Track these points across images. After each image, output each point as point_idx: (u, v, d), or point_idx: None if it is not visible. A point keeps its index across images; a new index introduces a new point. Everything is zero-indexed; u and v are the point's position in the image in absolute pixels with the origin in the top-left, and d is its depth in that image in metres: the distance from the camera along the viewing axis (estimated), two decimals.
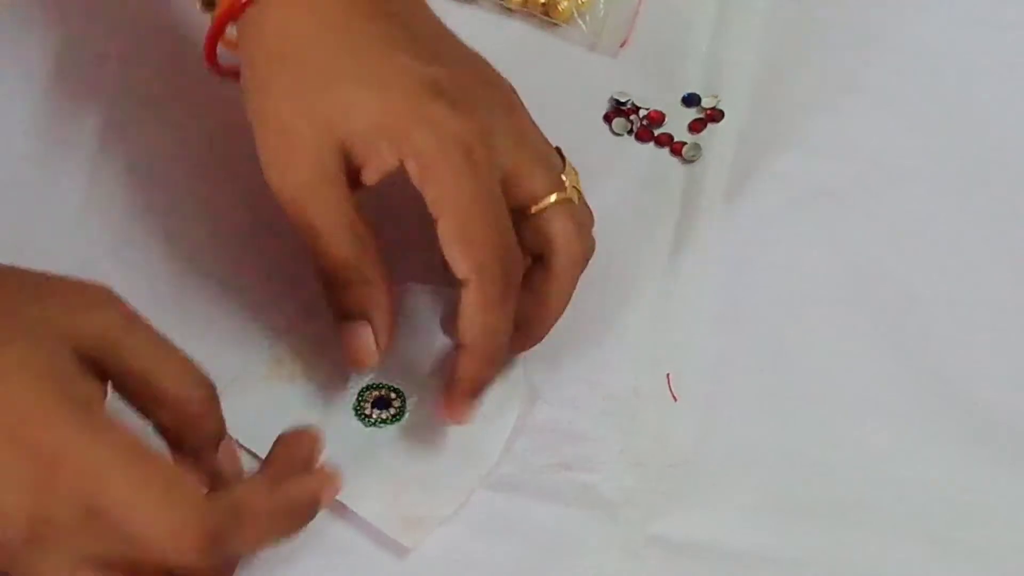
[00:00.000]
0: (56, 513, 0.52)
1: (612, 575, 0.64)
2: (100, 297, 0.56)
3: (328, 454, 0.61)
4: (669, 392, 0.68)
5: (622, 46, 0.77)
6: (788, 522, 0.66)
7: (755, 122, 0.75)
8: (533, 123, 0.65)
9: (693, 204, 0.73)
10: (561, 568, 0.64)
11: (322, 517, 0.60)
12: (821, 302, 0.71)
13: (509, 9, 0.77)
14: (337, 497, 0.61)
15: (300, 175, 0.62)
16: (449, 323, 0.66)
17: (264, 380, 0.66)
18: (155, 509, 0.52)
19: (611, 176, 0.73)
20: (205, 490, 0.57)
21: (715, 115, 0.75)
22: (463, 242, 0.61)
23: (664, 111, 0.75)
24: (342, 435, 0.64)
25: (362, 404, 0.66)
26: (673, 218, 0.73)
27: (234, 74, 0.65)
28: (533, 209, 0.64)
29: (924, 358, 0.70)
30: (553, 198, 0.64)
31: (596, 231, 0.69)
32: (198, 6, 0.66)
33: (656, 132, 0.75)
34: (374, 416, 0.66)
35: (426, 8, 0.65)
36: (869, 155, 0.74)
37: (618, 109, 0.75)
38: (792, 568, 0.65)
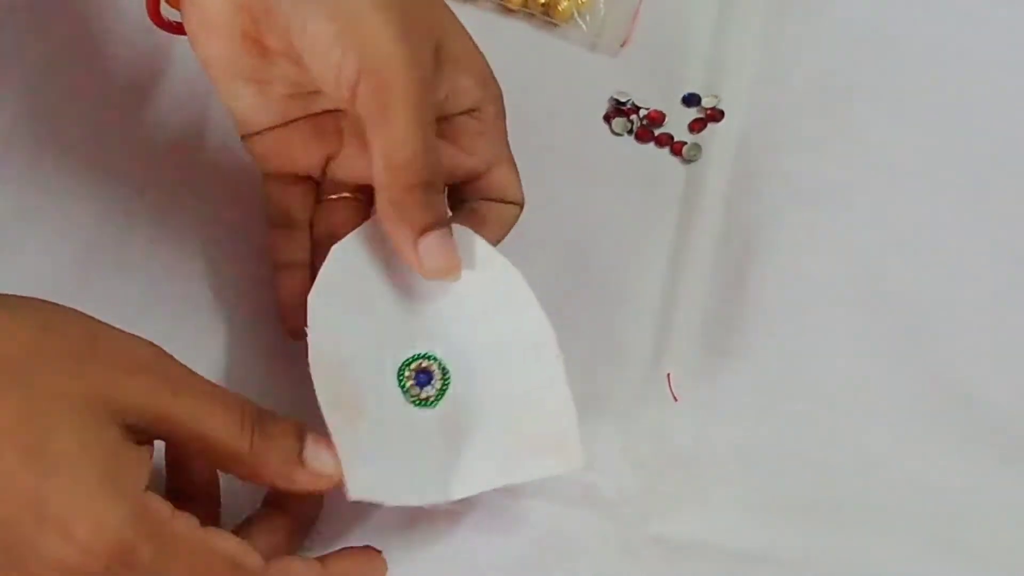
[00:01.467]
0: None
1: (612, 575, 0.64)
2: (145, 359, 0.55)
3: (425, 463, 0.61)
4: (669, 392, 0.68)
5: (622, 46, 0.77)
6: (788, 522, 0.66)
7: (755, 122, 0.75)
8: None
9: (693, 204, 0.73)
10: (561, 568, 0.64)
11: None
12: (821, 302, 0.71)
13: (509, 9, 0.77)
14: (484, 487, 0.61)
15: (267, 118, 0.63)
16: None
17: (345, 422, 0.61)
18: None
19: (611, 176, 0.73)
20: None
21: (715, 115, 0.75)
22: (516, 178, 0.64)
23: (664, 111, 0.75)
24: (418, 433, 0.62)
25: (412, 393, 0.62)
26: (673, 218, 0.73)
27: (179, 29, 0.63)
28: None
29: (924, 358, 0.70)
30: None
31: (596, 231, 0.69)
32: None
33: (656, 132, 0.75)
34: (432, 395, 0.63)
35: None
36: (869, 155, 0.74)
37: (618, 109, 0.75)
38: (792, 568, 0.65)
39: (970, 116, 0.76)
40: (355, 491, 0.59)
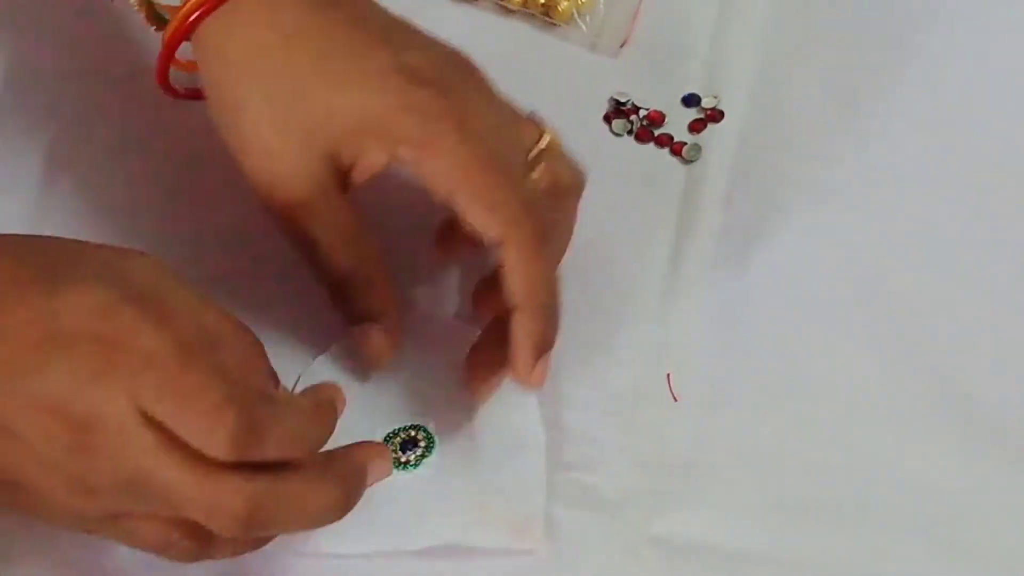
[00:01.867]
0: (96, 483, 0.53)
1: (612, 575, 0.64)
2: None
3: (392, 512, 0.63)
4: (669, 392, 0.68)
5: (622, 46, 0.77)
6: (788, 522, 0.66)
7: (755, 122, 0.75)
8: (502, 97, 0.64)
9: (693, 204, 0.73)
10: (561, 568, 0.64)
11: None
12: (821, 302, 0.71)
13: (509, 9, 0.77)
14: (440, 543, 0.62)
15: (292, 193, 0.61)
16: (481, 300, 0.65)
17: None
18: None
19: (611, 176, 0.73)
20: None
21: (715, 115, 0.75)
22: (486, 202, 0.60)
23: (664, 111, 0.75)
24: (392, 489, 0.64)
25: (393, 456, 0.65)
26: (673, 218, 0.73)
27: (190, 95, 0.65)
28: None
29: (924, 358, 0.70)
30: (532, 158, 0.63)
31: (596, 231, 0.69)
32: (146, 22, 0.65)
33: (656, 132, 0.75)
34: (412, 459, 0.65)
35: (376, 4, 0.64)
36: (869, 155, 0.74)
37: (618, 109, 0.75)
38: (792, 568, 0.65)
39: (970, 116, 0.75)
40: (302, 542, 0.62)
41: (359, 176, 0.62)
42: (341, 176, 0.62)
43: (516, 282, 0.61)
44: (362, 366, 0.65)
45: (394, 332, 0.64)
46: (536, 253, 0.61)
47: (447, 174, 0.60)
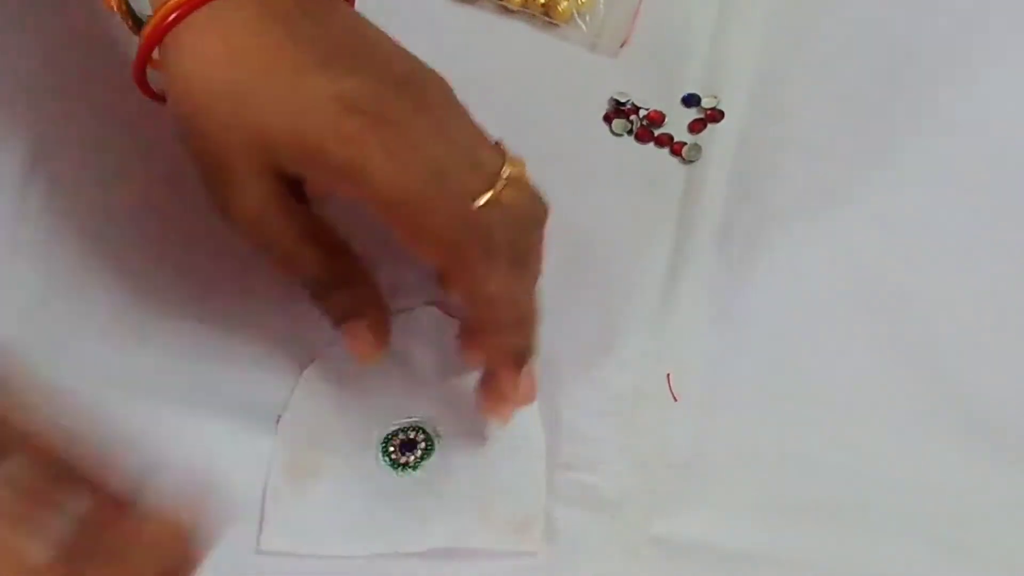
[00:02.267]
0: None
1: (612, 575, 0.64)
2: None
3: (392, 514, 0.63)
4: (669, 392, 0.68)
5: (622, 46, 0.77)
6: (788, 522, 0.66)
7: (755, 122, 0.75)
8: (462, 117, 0.62)
9: (693, 204, 0.73)
10: (561, 568, 0.64)
11: None
12: (821, 302, 0.71)
13: (509, 9, 0.77)
14: (440, 544, 0.63)
15: (247, 205, 0.60)
16: (465, 345, 0.64)
17: (289, 482, 0.65)
18: None
19: (611, 176, 0.73)
20: None
21: (715, 115, 0.75)
22: (419, 234, 0.59)
23: (664, 111, 0.75)
24: (392, 490, 0.64)
25: (392, 457, 0.65)
26: (673, 218, 0.73)
27: (163, 97, 0.64)
28: None
29: (924, 358, 0.70)
30: (482, 200, 0.59)
31: (596, 231, 0.69)
32: (127, 24, 0.64)
33: (656, 132, 0.75)
34: (411, 461, 0.65)
35: (346, 11, 0.63)
36: (869, 155, 0.74)
37: (618, 109, 0.75)
38: (792, 568, 0.65)
39: (971, 115, 0.75)
40: (267, 543, 0.63)
41: (312, 191, 0.61)
42: (294, 185, 0.61)
43: (470, 305, 0.60)
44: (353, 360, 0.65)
45: (379, 328, 0.63)
46: (484, 275, 0.59)
47: (378, 208, 0.59)
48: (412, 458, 0.65)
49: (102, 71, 0.72)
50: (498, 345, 0.62)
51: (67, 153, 0.71)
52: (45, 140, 0.71)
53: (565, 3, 0.77)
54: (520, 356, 0.62)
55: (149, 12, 0.61)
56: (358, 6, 0.64)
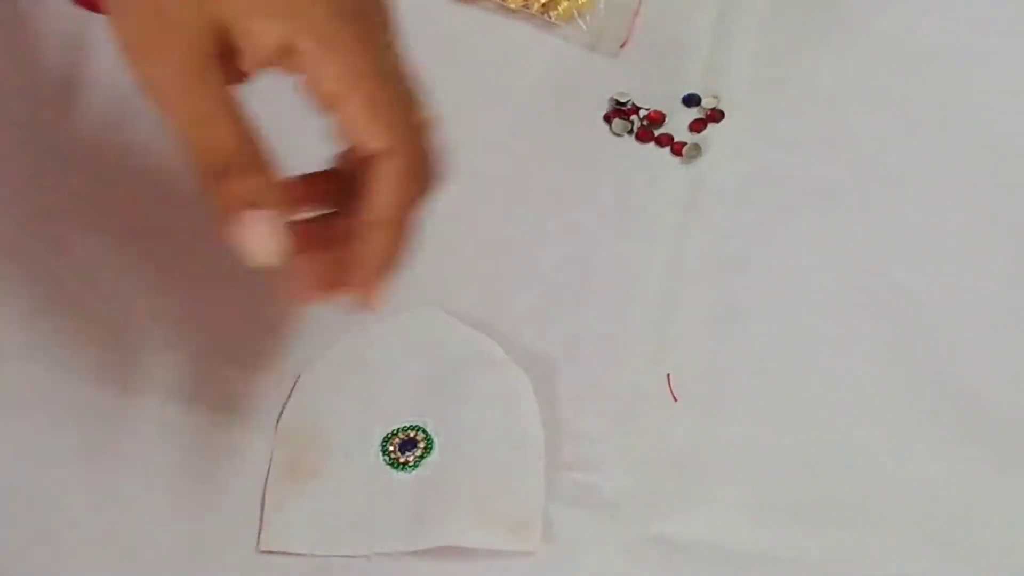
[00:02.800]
0: None
1: (612, 575, 0.64)
2: None
3: (391, 513, 0.63)
4: (669, 392, 0.68)
5: (622, 46, 0.77)
6: (788, 522, 0.66)
7: (755, 122, 0.75)
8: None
9: (693, 204, 0.73)
10: (560, 568, 0.64)
11: None
12: (821, 302, 0.71)
13: (509, 9, 0.77)
14: (440, 543, 0.63)
15: (172, 60, 0.56)
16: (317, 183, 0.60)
17: (289, 482, 0.65)
18: None
19: (611, 176, 0.73)
20: None
21: (715, 115, 0.75)
22: (380, 112, 0.55)
23: (664, 111, 0.75)
24: (392, 490, 0.65)
25: (392, 456, 0.65)
26: (673, 218, 0.73)
27: (95, 6, 0.61)
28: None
29: (924, 358, 0.69)
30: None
31: (596, 231, 0.69)
32: None
33: (656, 132, 0.75)
34: (411, 459, 0.65)
35: None
36: (869, 155, 0.74)
37: (618, 109, 0.75)
38: (792, 568, 0.65)
39: (971, 115, 0.75)
40: (267, 543, 0.63)
41: (248, 62, 0.57)
42: (227, 57, 0.56)
43: (386, 195, 0.56)
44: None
45: (280, 225, 0.56)
46: (418, 174, 0.56)
47: (341, 78, 0.55)
48: (412, 457, 0.65)
49: (50, 87, 0.72)
50: (383, 245, 0.57)
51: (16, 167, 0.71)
52: None
53: (565, 3, 0.77)
54: (395, 265, 0.58)
55: None
56: None
